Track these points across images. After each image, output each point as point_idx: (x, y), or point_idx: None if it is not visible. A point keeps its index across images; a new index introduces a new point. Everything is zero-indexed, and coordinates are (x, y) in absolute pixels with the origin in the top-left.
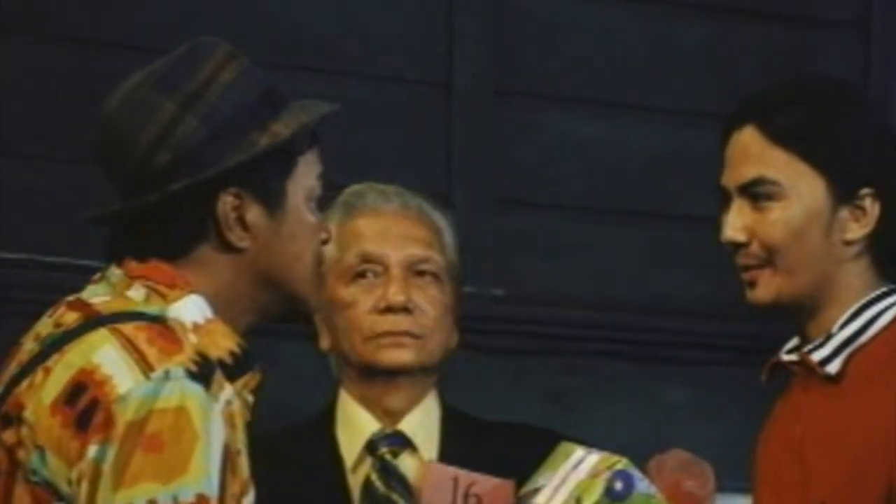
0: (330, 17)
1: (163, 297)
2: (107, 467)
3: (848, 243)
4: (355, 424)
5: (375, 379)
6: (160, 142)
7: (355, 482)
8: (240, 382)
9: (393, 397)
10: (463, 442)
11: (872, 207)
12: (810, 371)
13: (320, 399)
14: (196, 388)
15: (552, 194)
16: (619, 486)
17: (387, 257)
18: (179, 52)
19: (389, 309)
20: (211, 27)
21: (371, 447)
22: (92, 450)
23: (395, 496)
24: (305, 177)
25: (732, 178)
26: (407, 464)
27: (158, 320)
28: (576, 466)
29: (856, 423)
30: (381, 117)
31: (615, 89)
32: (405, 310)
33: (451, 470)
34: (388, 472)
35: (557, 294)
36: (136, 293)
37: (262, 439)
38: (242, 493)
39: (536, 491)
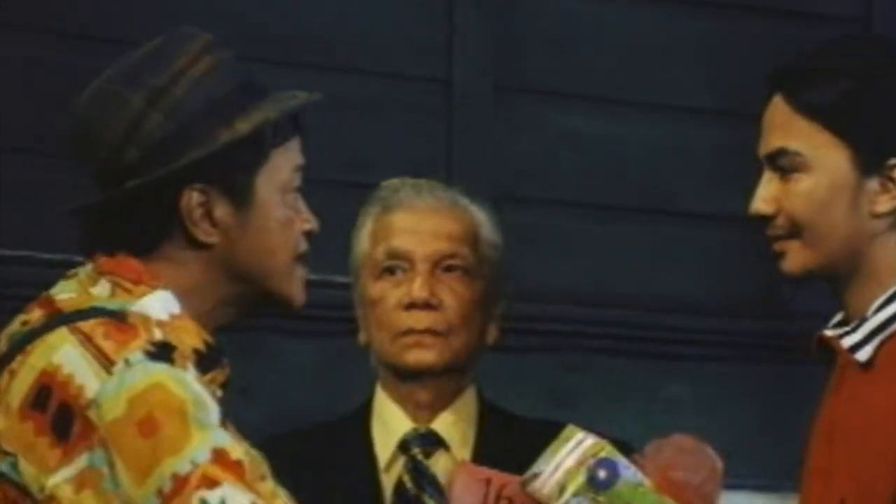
0: (329, 13)
1: (128, 292)
2: (115, 468)
3: (878, 216)
4: (389, 423)
5: (404, 378)
6: (127, 137)
7: (388, 482)
8: (204, 380)
9: (423, 396)
10: (499, 440)
11: None
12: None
13: (318, 395)
14: (160, 366)
15: (552, 191)
16: (602, 474)
17: (413, 253)
18: (152, 45)
19: (413, 305)
20: (209, 23)
21: (404, 447)
22: (83, 459)
23: (425, 497)
24: (279, 170)
25: (762, 147)
26: (439, 464)
27: (119, 315)
28: (571, 452)
29: (878, 415)
30: (381, 114)
31: (615, 85)
32: (429, 306)
33: (485, 471)
34: (420, 473)
35: (557, 291)
36: (101, 289)
37: (298, 435)
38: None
39: (536, 476)
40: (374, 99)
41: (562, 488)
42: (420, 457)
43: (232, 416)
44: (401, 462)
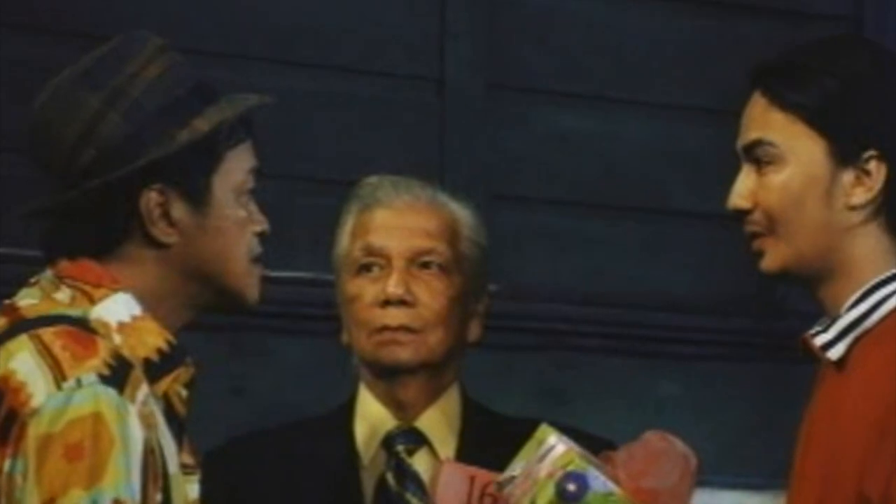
0: (323, 12)
1: (88, 297)
2: (26, 481)
3: (853, 208)
4: (372, 420)
5: (382, 376)
6: (84, 138)
7: (370, 479)
8: (168, 378)
9: (403, 394)
10: (483, 438)
11: (878, 170)
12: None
13: (312, 394)
14: (109, 393)
15: (545, 189)
16: (571, 487)
17: (389, 249)
18: (108, 47)
19: (388, 302)
20: (204, 23)
21: (387, 444)
22: (7, 463)
23: (408, 495)
24: (233, 172)
25: (740, 141)
26: (422, 462)
27: (80, 322)
28: (542, 459)
29: (846, 416)
30: (374, 112)
31: (608, 84)
32: (404, 303)
33: (468, 469)
34: (403, 471)
35: (551, 289)
36: (63, 295)
37: (280, 432)
38: (156, 490)
39: (512, 479)
40: (367, 97)
41: (532, 502)
42: (403, 454)
43: (223, 413)
44: (382, 459)
